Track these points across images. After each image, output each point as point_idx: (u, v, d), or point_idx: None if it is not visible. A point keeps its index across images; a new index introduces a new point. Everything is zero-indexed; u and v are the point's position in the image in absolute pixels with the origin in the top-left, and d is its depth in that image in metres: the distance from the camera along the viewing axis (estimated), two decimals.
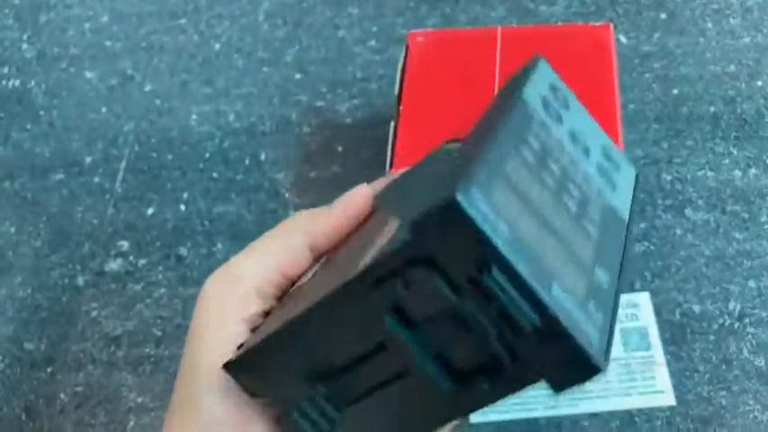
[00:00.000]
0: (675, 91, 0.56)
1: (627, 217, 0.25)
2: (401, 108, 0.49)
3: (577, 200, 0.24)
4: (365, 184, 0.30)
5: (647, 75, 0.57)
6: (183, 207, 0.57)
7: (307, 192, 0.56)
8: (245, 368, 0.25)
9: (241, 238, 0.55)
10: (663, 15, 0.60)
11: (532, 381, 0.20)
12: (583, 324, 0.20)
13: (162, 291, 0.53)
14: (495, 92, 0.48)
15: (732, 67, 0.57)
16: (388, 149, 0.47)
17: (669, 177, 0.52)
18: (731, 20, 0.59)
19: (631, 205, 0.26)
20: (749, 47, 0.57)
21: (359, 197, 0.29)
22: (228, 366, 0.25)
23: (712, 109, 0.55)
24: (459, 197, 0.19)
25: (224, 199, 0.57)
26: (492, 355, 0.20)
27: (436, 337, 0.21)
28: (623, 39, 0.60)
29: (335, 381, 0.23)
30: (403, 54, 0.51)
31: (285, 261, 0.28)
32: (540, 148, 0.24)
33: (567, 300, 0.20)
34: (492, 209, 0.20)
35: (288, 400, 0.25)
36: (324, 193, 0.56)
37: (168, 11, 0.69)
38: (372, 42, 0.63)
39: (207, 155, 0.59)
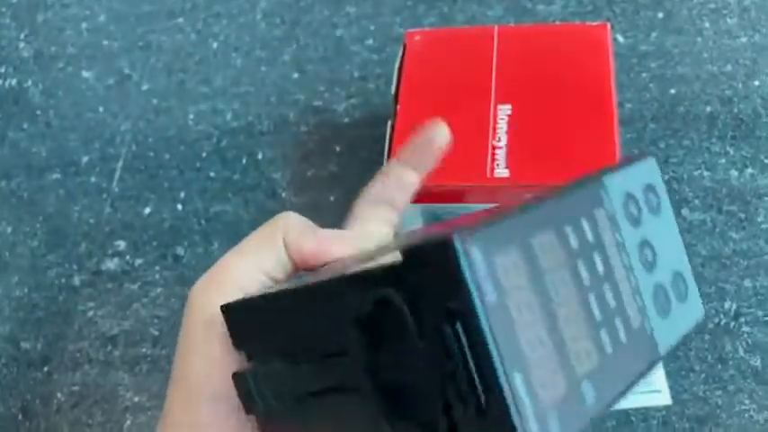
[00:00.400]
0: (672, 90, 0.56)
1: (662, 352, 0.23)
2: (398, 107, 0.49)
3: (607, 308, 0.22)
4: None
5: (644, 74, 0.57)
6: (179, 206, 0.57)
7: (304, 191, 0.56)
8: (235, 317, 0.26)
9: (238, 237, 0.54)
10: (660, 15, 0.60)
11: None
12: (529, 425, 0.18)
13: (159, 290, 0.53)
14: (492, 91, 0.48)
15: (729, 67, 0.57)
16: (385, 149, 0.47)
17: (666, 177, 0.52)
18: (728, 19, 0.59)
19: (675, 345, 0.24)
20: (746, 46, 0.57)
21: (337, 252, 0.28)
22: (225, 308, 0.26)
23: (709, 109, 0.55)
24: (456, 239, 0.18)
25: (221, 198, 0.57)
26: (431, 416, 0.19)
27: (388, 372, 0.21)
28: (620, 38, 0.60)
29: (295, 367, 0.23)
30: (400, 53, 0.51)
31: (272, 265, 0.28)
32: (592, 238, 0.22)
33: (524, 394, 0.18)
34: (487, 267, 0.19)
35: (254, 363, 0.25)
36: (321, 192, 0.56)
37: (166, 10, 0.69)
38: (370, 41, 0.63)
39: (204, 154, 0.59)
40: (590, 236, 0.22)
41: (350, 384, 0.22)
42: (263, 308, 0.25)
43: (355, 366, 0.21)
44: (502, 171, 0.45)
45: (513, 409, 0.18)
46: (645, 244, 0.24)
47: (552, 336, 0.20)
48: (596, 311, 0.21)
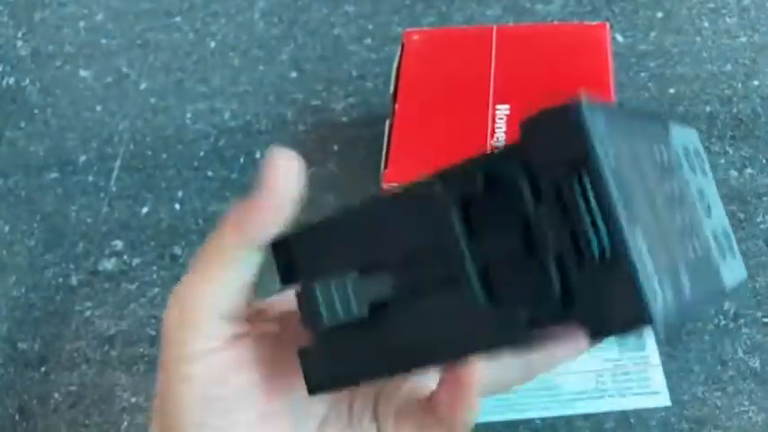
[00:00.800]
0: (671, 90, 0.56)
1: (726, 287, 0.23)
2: (396, 107, 0.49)
3: (686, 223, 0.22)
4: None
5: (642, 74, 0.57)
6: (177, 206, 0.57)
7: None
8: (288, 249, 0.24)
9: None
10: (659, 14, 0.60)
11: (573, 321, 0.19)
12: (650, 275, 0.18)
13: (156, 290, 0.53)
14: (490, 91, 0.48)
15: (728, 67, 0.56)
16: (383, 148, 0.47)
17: None
18: (727, 19, 0.59)
19: (729, 292, 0.24)
20: (745, 46, 0.57)
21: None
22: (275, 245, 0.24)
23: (708, 108, 0.55)
24: (584, 104, 0.18)
25: (219, 198, 0.56)
26: (542, 282, 0.19)
27: (491, 250, 0.20)
28: (620, 38, 0.59)
29: (372, 274, 0.22)
30: (398, 53, 0.51)
31: (245, 274, 0.24)
32: (668, 163, 0.23)
33: (643, 248, 0.18)
34: (608, 132, 0.19)
35: (315, 278, 0.23)
36: (319, 192, 0.55)
37: (164, 9, 0.68)
38: (368, 40, 0.63)
39: (202, 153, 0.59)
40: (666, 160, 0.22)
41: (435, 278, 0.21)
42: (326, 231, 0.24)
43: (455, 255, 0.20)
44: None
45: (635, 252, 0.18)
46: (701, 193, 0.24)
47: (654, 213, 0.20)
48: (680, 222, 0.21)
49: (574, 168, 0.18)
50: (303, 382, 0.24)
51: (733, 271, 0.24)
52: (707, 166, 0.27)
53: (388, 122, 0.48)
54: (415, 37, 0.52)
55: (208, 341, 0.24)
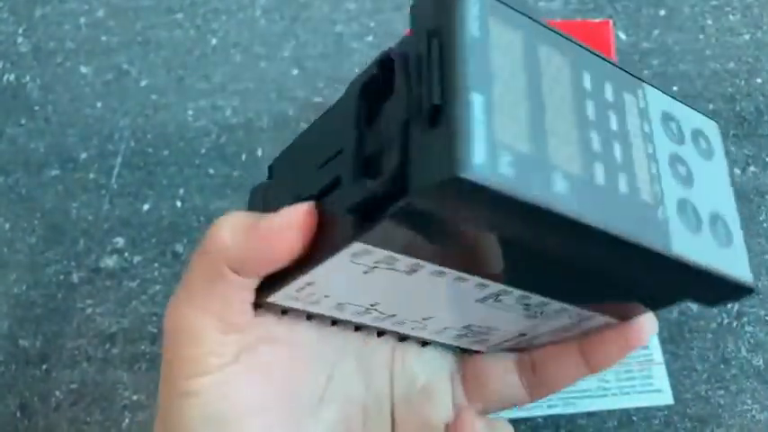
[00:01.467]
0: (675, 88, 0.56)
1: (675, 251, 0.22)
2: None
3: (610, 153, 0.21)
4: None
5: (645, 71, 0.57)
6: (179, 203, 0.56)
7: None
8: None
9: None
10: (662, 12, 0.60)
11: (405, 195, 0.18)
12: (475, 137, 0.17)
13: (157, 288, 0.53)
14: None
15: (731, 65, 0.56)
16: None
17: None
18: (731, 17, 0.59)
19: (701, 270, 0.23)
20: (749, 44, 0.57)
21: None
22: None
23: (711, 107, 0.55)
24: None
25: (220, 195, 0.56)
26: (387, 155, 0.19)
27: (382, 133, 0.20)
28: (622, 35, 0.59)
29: (300, 174, 0.25)
30: None
31: (234, 301, 0.23)
32: (612, 99, 0.22)
33: (480, 114, 0.17)
34: (497, 19, 0.19)
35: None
36: None
37: (165, 5, 0.68)
38: (370, 38, 0.63)
39: (203, 150, 0.59)
40: (609, 96, 0.22)
41: (338, 167, 0.22)
42: (294, 148, 0.28)
43: (347, 139, 0.21)
44: None
45: (464, 119, 0.17)
46: (679, 160, 0.23)
47: (531, 113, 0.19)
48: (595, 144, 0.20)
49: (433, 37, 0.18)
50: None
51: (723, 260, 0.23)
52: (718, 155, 0.26)
53: None
54: None
55: (212, 358, 0.23)
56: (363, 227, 0.20)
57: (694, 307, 0.47)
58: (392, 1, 0.64)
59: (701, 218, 0.23)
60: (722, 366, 0.45)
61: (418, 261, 0.21)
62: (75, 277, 0.53)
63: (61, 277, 0.53)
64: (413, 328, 0.26)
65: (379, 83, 0.21)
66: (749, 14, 0.59)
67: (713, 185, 0.25)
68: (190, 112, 0.61)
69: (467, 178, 0.16)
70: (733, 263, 0.23)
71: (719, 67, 0.56)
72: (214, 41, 0.65)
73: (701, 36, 0.58)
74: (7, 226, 0.56)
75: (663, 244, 0.21)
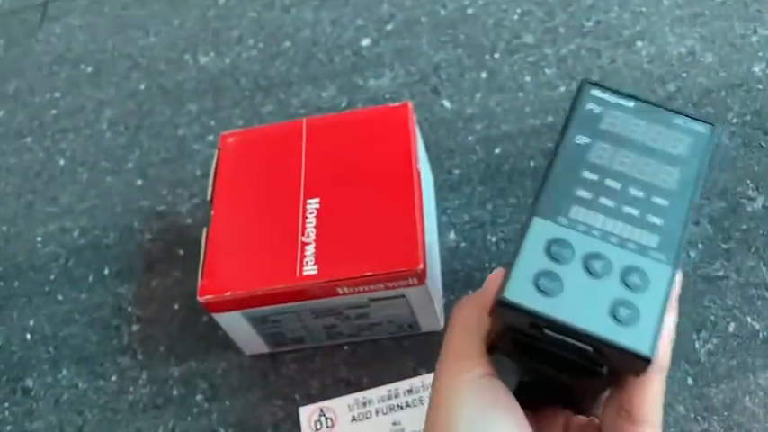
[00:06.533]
0: (498, 150, 0.56)
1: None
2: (213, 213, 0.48)
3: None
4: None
5: (470, 137, 0.57)
6: (29, 336, 0.55)
7: (149, 303, 0.55)
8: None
9: (85, 360, 0.53)
10: (483, 74, 0.61)
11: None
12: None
13: (8, 429, 0.51)
14: (301, 185, 0.48)
15: (550, 118, 0.57)
16: (200, 256, 0.46)
17: (494, 239, 0.52)
18: (546, 71, 0.60)
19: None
20: (564, 96, 0.58)
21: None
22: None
23: (532, 163, 0.55)
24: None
25: (69, 321, 0.55)
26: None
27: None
28: (447, 104, 0.60)
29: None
30: (215, 157, 0.51)
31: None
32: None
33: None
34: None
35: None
36: (164, 303, 0.55)
37: (14, 130, 0.68)
38: (211, 137, 0.63)
39: (52, 276, 0.58)
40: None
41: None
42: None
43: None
44: (311, 268, 0.44)
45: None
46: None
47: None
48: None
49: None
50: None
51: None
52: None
53: (204, 231, 0.48)
54: (231, 139, 0.51)
55: (479, 368, 0.31)
56: None
57: None
58: (231, 98, 0.65)
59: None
60: None
61: None
62: None
63: None
64: None
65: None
66: (563, 66, 0.59)
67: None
68: (39, 239, 0.60)
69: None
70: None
71: (539, 123, 0.57)
72: (62, 162, 0.65)
73: (521, 94, 0.59)
74: None
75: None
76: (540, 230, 0.29)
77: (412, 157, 0.47)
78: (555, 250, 0.29)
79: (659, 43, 0.59)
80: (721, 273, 0.48)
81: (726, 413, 0.43)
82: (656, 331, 0.27)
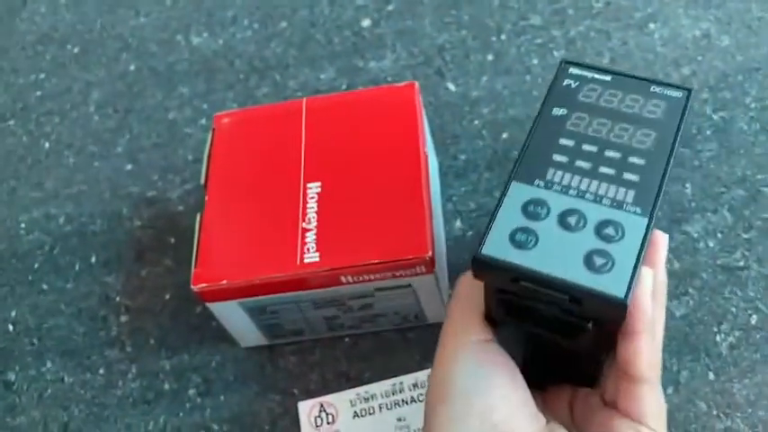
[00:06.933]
0: (505, 135, 0.54)
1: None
2: (206, 198, 0.45)
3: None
4: None
5: (476, 121, 0.55)
6: (11, 327, 0.52)
7: (138, 293, 0.52)
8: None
9: (71, 353, 0.50)
10: (490, 57, 0.58)
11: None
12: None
13: None
14: (302, 169, 0.45)
15: None
16: (194, 243, 0.44)
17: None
18: (555, 53, 0.57)
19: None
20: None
21: None
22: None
23: None
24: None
25: (53, 312, 0.52)
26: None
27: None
28: (452, 87, 0.57)
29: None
30: (209, 139, 0.48)
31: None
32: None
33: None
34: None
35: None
36: (155, 293, 0.52)
37: None
38: (203, 121, 0.60)
39: (36, 265, 0.55)
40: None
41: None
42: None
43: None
44: (312, 256, 0.42)
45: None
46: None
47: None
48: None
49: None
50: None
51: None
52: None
53: (198, 216, 0.45)
54: (226, 120, 0.49)
55: (477, 335, 0.32)
56: None
57: None
58: (224, 80, 0.62)
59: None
60: None
61: None
62: None
63: None
64: None
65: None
66: (572, 49, 0.57)
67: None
68: (22, 225, 0.57)
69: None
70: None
71: None
72: (47, 145, 0.62)
73: (528, 77, 0.56)
74: None
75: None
76: (517, 193, 0.30)
77: (419, 139, 0.45)
78: (531, 209, 0.30)
79: (672, 25, 0.57)
80: (742, 263, 0.45)
81: (750, 410, 0.41)
82: (631, 277, 0.27)
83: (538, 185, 0.30)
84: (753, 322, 0.43)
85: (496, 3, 0.61)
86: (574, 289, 0.28)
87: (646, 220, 0.29)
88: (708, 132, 0.51)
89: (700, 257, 0.46)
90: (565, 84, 0.33)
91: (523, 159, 0.31)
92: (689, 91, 0.32)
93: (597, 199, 0.30)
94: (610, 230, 0.29)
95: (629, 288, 0.27)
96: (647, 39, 0.56)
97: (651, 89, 0.33)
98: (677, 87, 0.33)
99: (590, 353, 0.32)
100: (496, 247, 0.29)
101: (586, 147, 0.31)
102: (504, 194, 0.30)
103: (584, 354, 0.32)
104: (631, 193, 0.30)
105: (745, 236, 0.46)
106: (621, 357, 0.30)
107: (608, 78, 0.33)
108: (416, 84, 0.47)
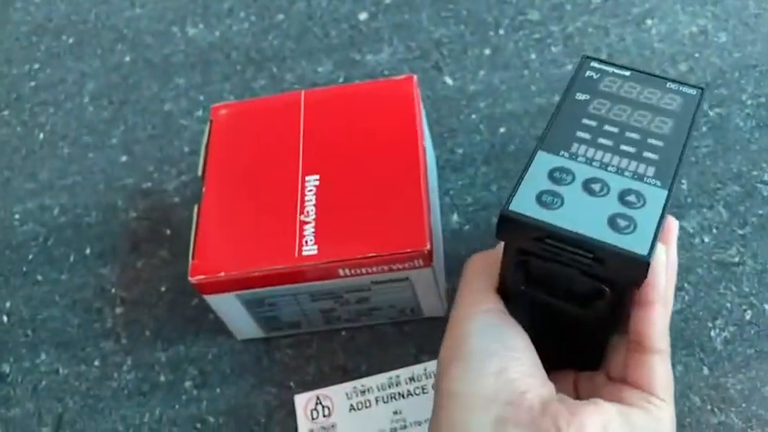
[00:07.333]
0: (502, 129, 0.54)
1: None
2: (204, 190, 0.45)
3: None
4: None
5: (473, 116, 0.55)
6: (5, 318, 0.52)
7: (134, 284, 0.52)
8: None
9: (66, 344, 0.50)
10: (487, 51, 0.58)
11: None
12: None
13: None
14: (300, 161, 0.45)
15: (556, 97, 0.55)
16: (191, 235, 0.44)
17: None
18: (553, 48, 0.57)
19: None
20: (570, 74, 0.56)
21: None
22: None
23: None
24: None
25: (48, 303, 0.52)
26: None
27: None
28: (449, 80, 0.57)
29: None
30: (207, 130, 0.48)
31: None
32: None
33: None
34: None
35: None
36: (151, 285, 0.52)
37: None
38: (199, 112, 0.60)
39: (30, 256, 0.55)
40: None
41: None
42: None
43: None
44: (310, 248, 0.42)
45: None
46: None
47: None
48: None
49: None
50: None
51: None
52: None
53: (195, 208, 0.45)
54: (223, 111, 0.48)
55: (489, 304, 0.33)
56: None
57: None
58: (221, 72, 0.62)
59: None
60: None
61: None
62: None
63: None
64: None
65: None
66: (570, 44, 0.57)
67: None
68: (17, 216, 0.57)
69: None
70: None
71: (545, 102, 0.54)
72: (42, 136, 0.61)
73: (526, 71, 0.57)
74: None
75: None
76: (543, 161, 0.32)
77: (417, 132, 0.45)
78: (557, 175, 0.31)
79: (670, 22, 0.57)
80: (737, 259, 0.46)
81: (744, 404, 0.41)
82: (653, 239, 0.29)
83: (563, 156, 0.32)
84: (747, 318, 0.44)
85: None
86: (599, 247, 0.28)
87: (665, 192, 0.30)
88: (704, 129, 0.51)
89: (695, 253, 0.46)
90: (587, 75, 0.35)
91: (549, 132, 0.33)
92: (702, 90, 0.34)
93: (620, 171, 0.31)
94: (632, 198, 0.30)
95: (651, 247, 0.28)
96: (644, 35, 0.57)
97: (667, 85, 0.35)
98: (691, 86, 0.35)
99: (600, 327, 0.33)
100: (524, 204, 0.30)
101: (608, 127, 0.33)
102: (530, 162, 0.32)
103: (594, 328, 0.33)
104: (651, 169, 0.31)
105: (741, 232, 0.47)
106: (635, 328, 0.31)
107: (627, 74, 0.35)
108: (415, 77, 0.47)
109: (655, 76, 0.35)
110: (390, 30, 0.61)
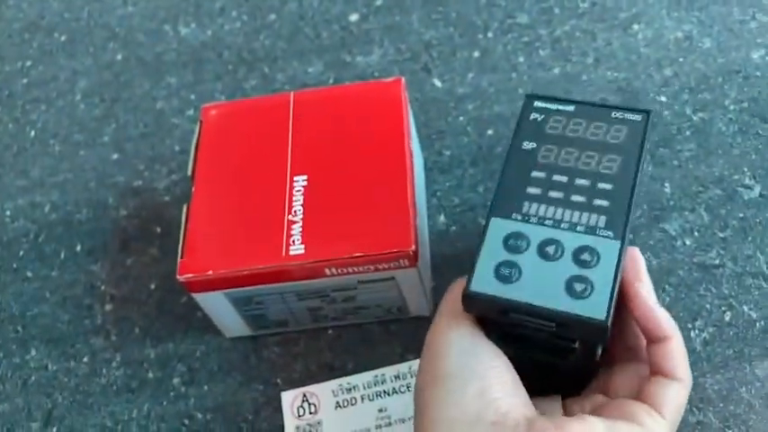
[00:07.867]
0: (490, 131, 0.55)
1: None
2: (194, 189, 0.46)
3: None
4: None
5: (461, 118, 0.56)
6: None
7: (124, 282, 0.52)
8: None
9: (55, 341, 0.51)
10: (476, 54, 0.59)
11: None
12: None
13: None
14: (288, 162, 0.46)
15: None
16: (180, 234, 0.44)
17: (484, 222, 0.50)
18: (541, 52, 0.58)
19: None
20: (558, 78, 0.56)
21: None
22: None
23: None
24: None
25: (38, 299, 0.53)
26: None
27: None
28: (438, 83, 0.58)
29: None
30: (197, 130, 0.49)
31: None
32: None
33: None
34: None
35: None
36: (140, 282, 0.52)
37: None
38: (191, 112, 0.60)
39: (21, 253, 0.55)
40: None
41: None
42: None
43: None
44: (297, 248, 0.42)
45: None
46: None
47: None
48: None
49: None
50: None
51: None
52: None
53: (185, 207, 0.46)
54: (213, 112, 0.49)
55: (464, 326, 0.33)
56: None
57: None
58: (213, 71, 0.62)
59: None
60: None
61: None
62: None
63: None
64: None
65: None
66: (558, 48, 0.58)
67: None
68: (8, 213, 0.58)
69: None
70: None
71: None
72: (33, 133, 0.62)
73: (514, 74, 0.57)
74: None
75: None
76: (498, 228, 0.33)
77: (404, 134, 0.45)
78: (512, 243, 0.32)
79: (656, 27, 0.58)
80: (717, 261, 0.47)
81: (721, 404, 0.42)
82: (609, 299, 0.30)
83: (516, 219, 0.33)
84: (726, 319, 0.45)
85: (484, 0, 0.62)
86: (558, 316, 0.30)
87: (618, 243, 0.31)
88: (687, 133, 0.52)
89: (677, 255, 0.47)
90: (531, 118, 0.36)
91: (499, 194, 0.34)
92: (647, 113, 0.35)
93: (572, 227, 0.32)
94: (586, 256, 0.31)
95: (608, 311, 0.29)
96: (630, 39, 0.57)
97: (612, 115, 0.35)
98: (636, 111, 0.35)
99: (582, 366, 0.34)
100: (483, 282, 0.31)
101: (557, 177, 0.33)
102: (485, 230, 0.33)
103: (573, 370, 0.34)
104: (603, 219, 0.32)
105: (721, 235, 0.47)
106: (652, 359, 0.33)
107: (571, 108, 0.36)
108: (403, 79, 0.48)
109: (599, 105, 0.35)
110: (381, 31, 0.62)
